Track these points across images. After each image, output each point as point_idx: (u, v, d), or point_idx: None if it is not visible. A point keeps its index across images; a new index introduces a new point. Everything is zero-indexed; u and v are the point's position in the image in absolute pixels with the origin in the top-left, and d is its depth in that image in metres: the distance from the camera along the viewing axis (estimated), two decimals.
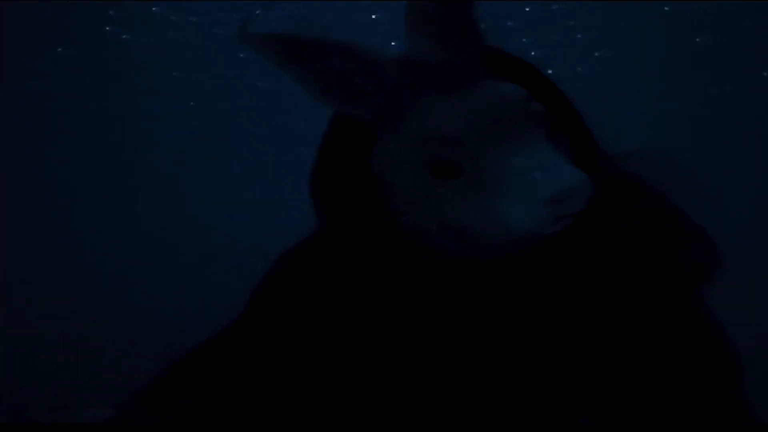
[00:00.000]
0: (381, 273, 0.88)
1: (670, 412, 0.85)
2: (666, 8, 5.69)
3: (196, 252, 6.75)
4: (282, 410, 0.90)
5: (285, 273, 0.97)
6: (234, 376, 0.93)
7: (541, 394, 0.87)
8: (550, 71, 0.91)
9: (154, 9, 5.84)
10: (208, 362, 0.97)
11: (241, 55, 6.51)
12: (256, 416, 0.91)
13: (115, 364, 3.56)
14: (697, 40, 6.04)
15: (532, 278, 0.87)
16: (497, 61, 0.88)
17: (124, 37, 6.27)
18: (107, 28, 6.13)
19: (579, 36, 5.85)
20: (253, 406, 0.91)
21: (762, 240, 5.18)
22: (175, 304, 5.00)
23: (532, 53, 5.68)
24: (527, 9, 5.68)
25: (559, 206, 0.78)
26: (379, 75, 0.85)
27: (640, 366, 0.86)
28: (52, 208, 7.56)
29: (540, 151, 0.80)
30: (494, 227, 0.81)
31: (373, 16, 5.75)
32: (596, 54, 6.23)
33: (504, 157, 0.80)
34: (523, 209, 0.79)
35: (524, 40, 5.69)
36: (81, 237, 7.33)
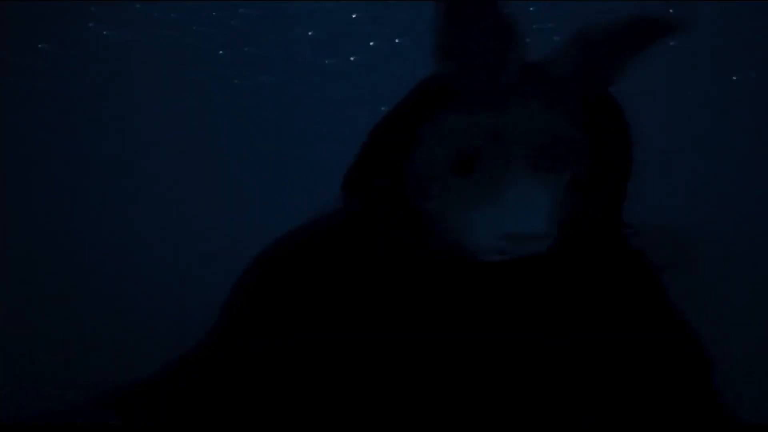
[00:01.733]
0: (387, 261, 0.89)
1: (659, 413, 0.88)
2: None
3: (197, 252, 6.69)
4: (278, 411, 0.91)
5: (295, 258, 0.94)
6: (230, 376, 0.92)
7: (537, 395, 0.89)
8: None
9: (137, 6, 5.82)
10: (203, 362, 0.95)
11: (221, 52, 6.54)
12: (250, 417, 0.91)
13: (115, 364, 3.56)
14: (672, 43, 6.07)
15: (521, 283, 0.88)
16: (594, 93, 0.88)
17: (106, 33, 6.24)
18: (89, 25, 6.09)
19: (555, 38, 5.81)
20: (247, 405, 0.91)
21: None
22: (175, 304, 5.04)
23: None
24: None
25: (515, 243, 0.82)
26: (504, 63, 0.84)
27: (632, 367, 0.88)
28: (40, 206, 7.49)
29: (541, 187, 0.82)
30: (461, 231, 0.84)
31: (353, 16, 5.82)
32: None
33: (511, 176, 0.82)
34: (486, 229, 0.82)
35: None
36: (82, 237, 7.26)
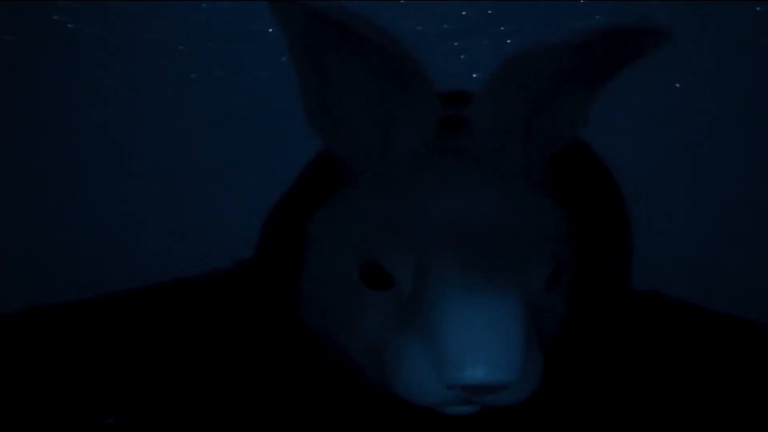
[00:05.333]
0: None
1: None
2: (597, 16, 5.79)
3: (197, 252, 6.71)
4: None
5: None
6: None
7: None
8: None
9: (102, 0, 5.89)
10: None
11: (181, 48, 6.61)
12: None
13: None
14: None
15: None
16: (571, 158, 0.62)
17: (70, 26, 6.29)
18: (54, 18, 6.13)
19: (509, 41, 5.83)
20: None
21: None
22: None
23: (461, 56, 5.84)
24: (464, 13, 5.75)
25: (476, 394, 0.54)
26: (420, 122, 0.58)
27: None
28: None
29: (500, 303, 0.52)
30: (389, 373, 0.56)
31: None
32: None
33: (445, 289, 0.53)
34: (426, 375, 0.53)
35: (456, 43, 5.79)
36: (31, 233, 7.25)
